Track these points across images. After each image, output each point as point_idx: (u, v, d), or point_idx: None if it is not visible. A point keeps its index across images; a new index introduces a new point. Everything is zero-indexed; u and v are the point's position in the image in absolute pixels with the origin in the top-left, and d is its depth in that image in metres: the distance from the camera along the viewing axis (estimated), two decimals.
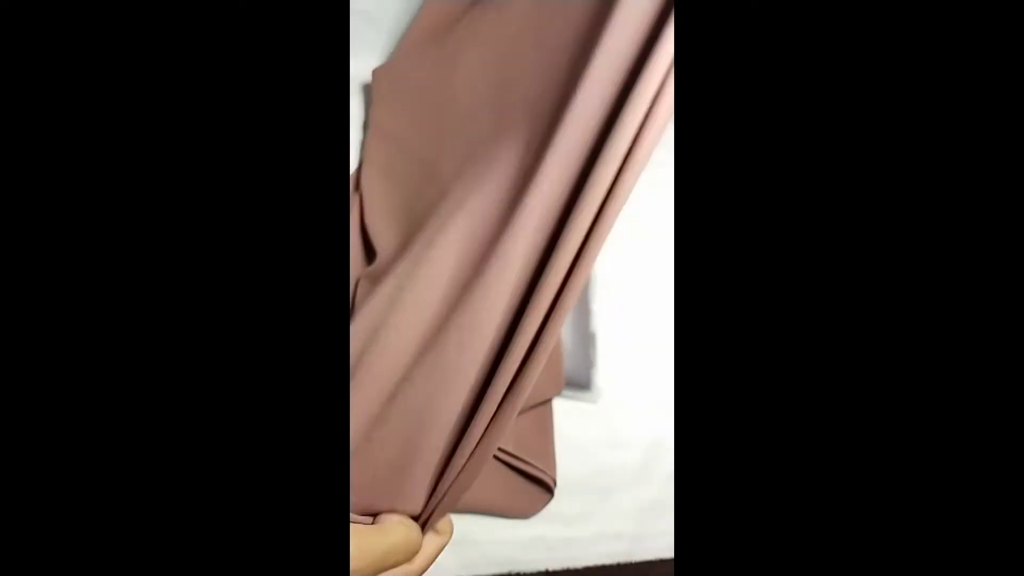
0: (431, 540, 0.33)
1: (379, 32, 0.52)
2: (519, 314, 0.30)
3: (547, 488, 0.46)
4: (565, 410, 0.48)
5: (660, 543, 0.48)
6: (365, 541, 0.28)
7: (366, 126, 0.50)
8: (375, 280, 0.39)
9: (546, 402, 0.47)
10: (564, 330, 0.48)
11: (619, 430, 0.49)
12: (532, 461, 0.45)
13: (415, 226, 0.39)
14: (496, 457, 0.45)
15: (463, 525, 0.46)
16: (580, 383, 0.48)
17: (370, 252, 0.45)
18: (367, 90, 0.51)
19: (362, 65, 0.50)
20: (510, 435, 0.45)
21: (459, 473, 0.30)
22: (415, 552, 0.31)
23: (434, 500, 0.32)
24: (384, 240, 0.43)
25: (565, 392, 0.47)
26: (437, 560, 0.44)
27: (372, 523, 0.31)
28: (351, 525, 0.29)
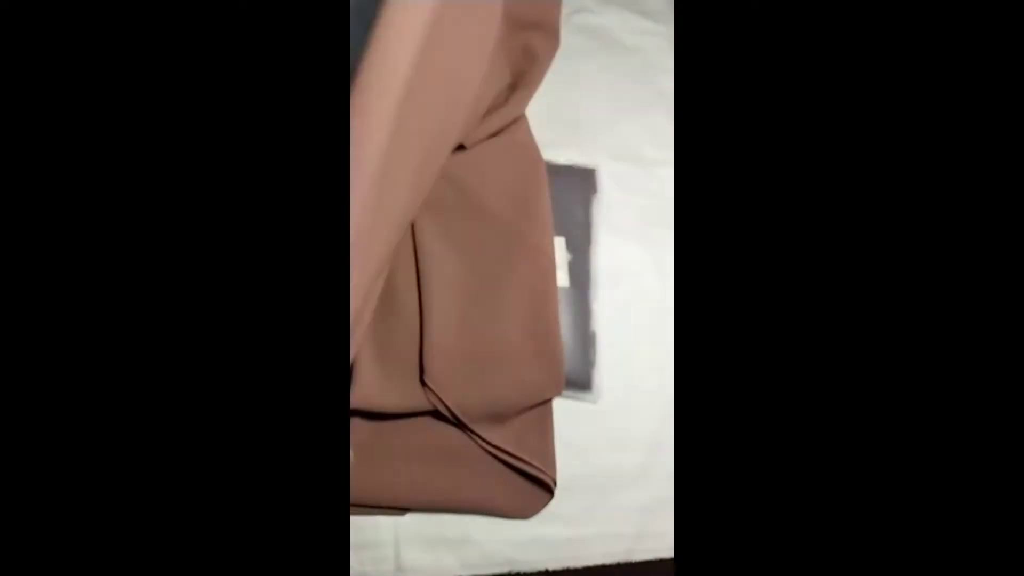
0: None
1: None
2: None
3: (547, 488, 0.46)
4: (565, 410, 0.48)
5: (660, 543, 0.48)
6: None
7: None
8: None
9: (546, 402, 0.47)
10: (564, 330, 0.48)
11: (619, 430, 0.49)
12: (532, 461, 0.45)
13: None
14: (496, 457, 0.45)
15: (463, 525, 0.46)
16: (580, 383, 0.48)
17: None
18: None
19: None
20: (510, 435, 0.45)
21: None
22: None
23: None
24: None
25: (565, 392, 0.47)
26: (437, 560, 0.44)
27: None
28: None
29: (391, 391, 0.43)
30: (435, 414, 0.44)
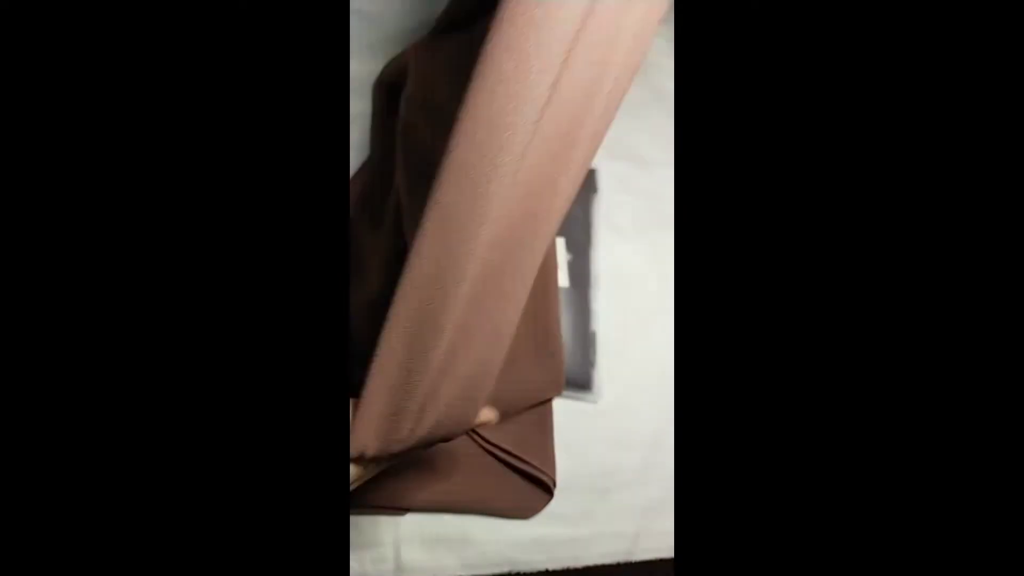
0: None
1: (379, 32, 0.52)
2: None
3: (547, 488, 0.46)
4: (565, 410, 0.48)
5: (660, 543, 0.48)
6: None
7: (370, 124, 0.50)
8: None
9: (546, 402, 0.47)
10: (564, 330, 0.48)
11: (619, 430, 0.49)
12: (532, 461, 0.45)
13: None
14: (496, 457, 0.45)
15: (463, 525, 0.46)
16: (580, 383, 0.48)
17: None
18: (367, 89, 0.51)
19: (362, 65, 0.50)
20: (510, 435, 0.45)
21: None
22: None
23: None
24: None
25: (565, 392, 0.47)
26: (437, 560, 0.44)
27: None
28: None
29: None
30: None
